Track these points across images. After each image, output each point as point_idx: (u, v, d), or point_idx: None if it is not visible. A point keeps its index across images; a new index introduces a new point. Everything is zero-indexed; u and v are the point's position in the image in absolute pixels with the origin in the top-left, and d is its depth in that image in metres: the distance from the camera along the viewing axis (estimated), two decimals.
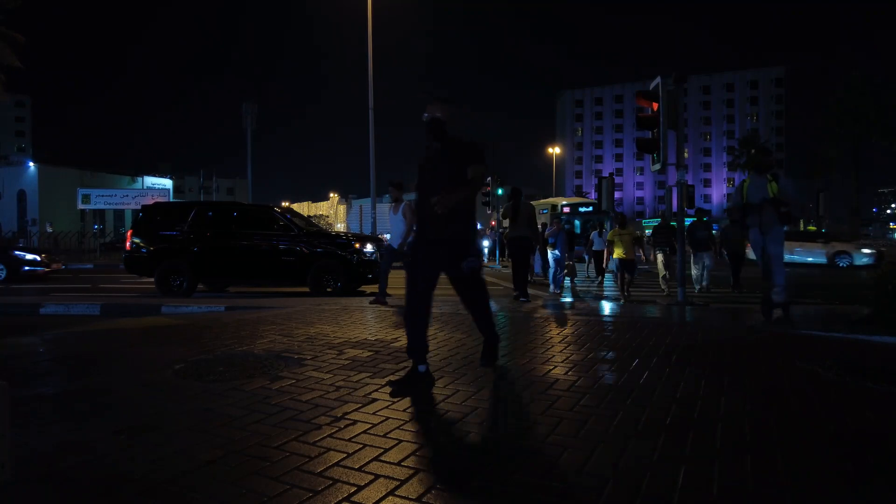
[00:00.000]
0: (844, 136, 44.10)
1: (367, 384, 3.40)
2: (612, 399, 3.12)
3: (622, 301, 9.32)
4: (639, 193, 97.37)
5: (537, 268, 13.88)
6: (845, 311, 7.19)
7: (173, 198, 48.82)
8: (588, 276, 15.31)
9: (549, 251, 11.48)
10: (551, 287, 11.19)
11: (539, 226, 9.92)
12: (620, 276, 10.58)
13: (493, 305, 7.96)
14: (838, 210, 54.70)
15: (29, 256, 14.50)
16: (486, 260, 23.60)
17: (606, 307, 7.97)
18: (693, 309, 7.85)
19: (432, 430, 2.61)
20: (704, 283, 11.43)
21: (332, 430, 2.58)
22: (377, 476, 2.10)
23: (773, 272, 6.23)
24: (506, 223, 11.51)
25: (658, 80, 8.54)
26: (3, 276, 13.87)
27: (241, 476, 2.08)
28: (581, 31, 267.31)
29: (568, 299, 9.73)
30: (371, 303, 7.80)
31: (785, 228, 6.38)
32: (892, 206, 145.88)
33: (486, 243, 23.75)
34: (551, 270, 11.37)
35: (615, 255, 10.65)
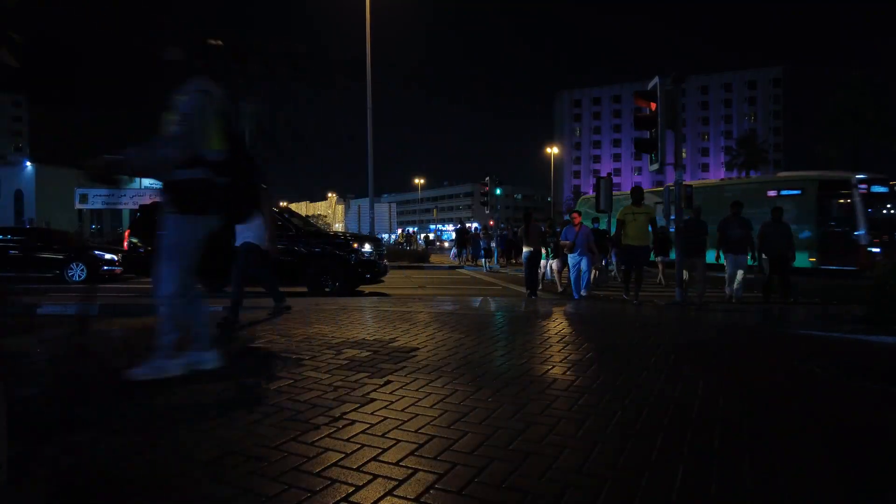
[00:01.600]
0: (844, 136, 44.19)
1: (366, 384, 3.39)
2: (610, 399, 3.12)
3: (625, 299, 9.17)
4: None
5: (548, 275, 13.76)
6: (845, 310, 7.21)
7: None
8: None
9: (570, 256, 10.29)
10: (575, 294, 10.00)
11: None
12: (626, 270, 9.32)
13: (495, 304, 7.96)
14: None
15: (107, 256, 14.57)
16: (483, 260, 23.19)
17: (606, 307, 7.97)
18: (692, 309, 7.86)
19: (431, 430, 2.60)
20: (736, 287, 9.63)
21: (331, 431, 2.58)
22: (375, 476, 2.09)
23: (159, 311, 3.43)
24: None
25: (656, 80, 8.56)
26: (84, 276, 13.90)
27: (240, 476, 2.08)
28: (580, 32, 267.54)
29: (572, 299, 9.71)
30: (219, 325, 5.44)
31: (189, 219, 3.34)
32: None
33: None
34: (572, 275, 10.21)
35: (624, 241, 8.89)
